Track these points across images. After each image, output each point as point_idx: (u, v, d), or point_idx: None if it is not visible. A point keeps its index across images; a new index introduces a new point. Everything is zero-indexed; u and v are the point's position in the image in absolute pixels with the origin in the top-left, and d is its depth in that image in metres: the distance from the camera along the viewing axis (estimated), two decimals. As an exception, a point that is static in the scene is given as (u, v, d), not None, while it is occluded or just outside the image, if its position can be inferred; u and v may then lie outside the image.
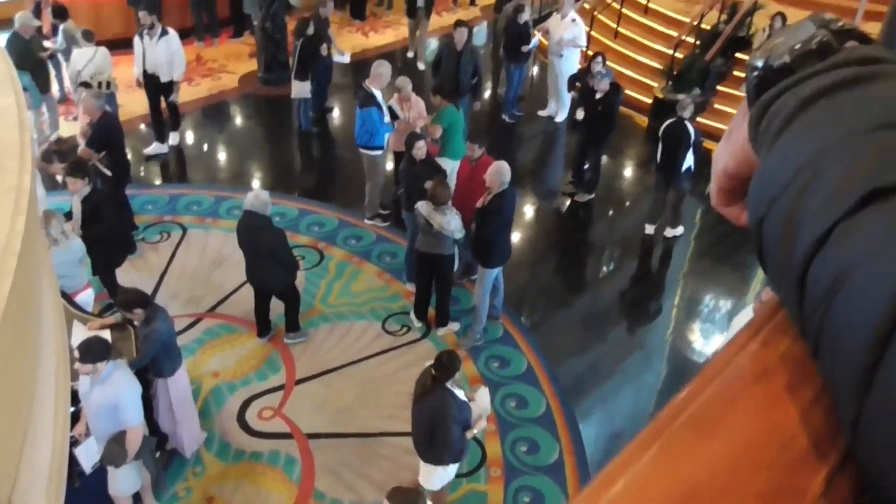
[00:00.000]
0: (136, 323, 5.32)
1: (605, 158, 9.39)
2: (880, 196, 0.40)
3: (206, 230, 8.17)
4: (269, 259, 6.27)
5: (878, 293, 0.38)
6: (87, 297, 6.12)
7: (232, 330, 6.92)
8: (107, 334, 5.25)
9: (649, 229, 8.43)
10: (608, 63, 9.46)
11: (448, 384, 4.84)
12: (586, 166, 8.89)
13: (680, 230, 8.39)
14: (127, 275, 7.10)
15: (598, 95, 8.35)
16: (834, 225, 0.41)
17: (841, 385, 0.40)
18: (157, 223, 8.23)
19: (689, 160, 7.75)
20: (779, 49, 0.53)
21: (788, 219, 0.44)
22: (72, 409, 4.48)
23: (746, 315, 4.58)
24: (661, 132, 7.93)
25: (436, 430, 4.83)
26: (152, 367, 5.32)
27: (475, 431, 5.08)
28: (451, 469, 5.10)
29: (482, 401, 5.12)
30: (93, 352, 4.52)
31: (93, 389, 4.61)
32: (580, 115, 8.92)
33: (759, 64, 0.54)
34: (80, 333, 5.18)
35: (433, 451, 4.94)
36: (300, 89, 9.61)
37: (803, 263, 0.42)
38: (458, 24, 9.13)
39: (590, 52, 11.45)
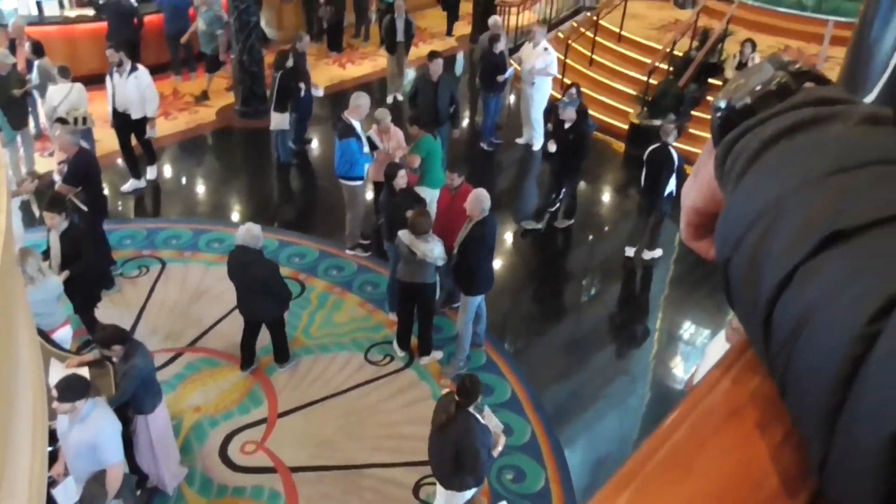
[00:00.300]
0: (114, 359, 5.26)
1: (582, 184, 9.47)
2: (839, 239, 0.41)
3: (186, 264, 8.12)
4: (261, 292, 6.28)
5: (837, 337, 0.39)
6: (64, 335, 6.04)
7: (213, 364, 6.85)
8: (85, 372, 5.19)
9: (629, 252, 8.50)
10: (582, 90, 9.59)
11: (470, 409, 4.90)
12: (562, 196, 8.87)
13: (658, 252, 8.45)
14: (105, 310, 7.02)
15: (566, 125, 8.35)
16: (795, 268, 0.42)
17: (807, 426, 0.41)
18: (136, 258, 8.17)
19: (671, 185, 7.85)
20: (740, 91, 0.54)
21: (752, 261, 0.45)
22: (49, 448, 4.41)
23: (720, 341, 4.63)
24: (645, 157, 8.02)
25: (463, 456, 4.86)
26: (132, 403, 5.24)
27: (499, 449, 5.16)
28: (469, 493, 5.12)
29: (491, 419, 5.19)
30: (71, 390, 4.45)
31: (71, 428, 4.54)
32: (552, 147, 8.74)
33: (722, 105, 0.55)
34: (58, 371, 5.11)
35: (458, 478, 4.97)
36: (279, 121, 9.63)
37: (768, 305, 0.43)
38: (433, 55, 9.22)
39: (566, 81, 11.61)
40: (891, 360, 0.37)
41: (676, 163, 7.77)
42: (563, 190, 8.82)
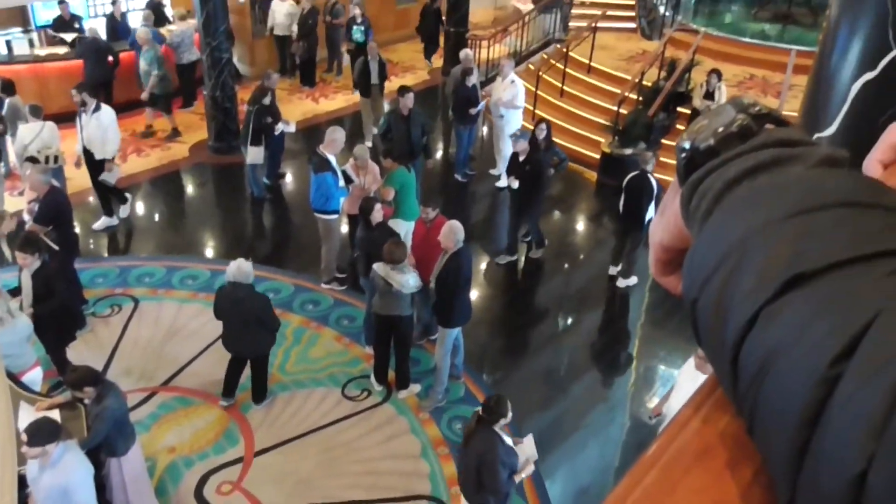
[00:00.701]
0: (86, 401, 5.16)
1: (556, 213, 9.54)
2: (801, 281, 0.42)
3: (159, 301, 8.03)
4: (255, 325, 6.28)
5: (800, 380, 0.39)
6: (34, 376, 5.92)
7: (187, 403, 6.75)
8: (56, 414, 5.09)
9: (613, 271, 8.67)
10: (553, 121, 9.69)
11: (495, 428, 4.94)
12: (524, 232, 8.89)
13: (633, 280, 8.52)
14: (77, 351, 6.91)
15: (520, 157, 8.34)
16: (759, 310, 0.43)
17: (775, 467, 0.41)
18: (108, 296, 8.06)
19: (651, 212, 8.00)
20: (703, 132, 0.55)
21: (718, 302, 0.46)
22: (19, 494, 4.30)
23: (689, 368, 4.66)
24: (624, 184, 8.16)
25: (483, 473, 4.90)
26: (105, 446, 5.14)
27: (522, 476, 5.18)
28: None
29: (528, 447, 5.23)
30: (41, 434, 4.36)
31: (42, 474, 4.43)
32: (514, 183, 8.51)
33: (686, 146, 0.56)
34: (28, 415, 5.00)
35: (480, 495, 5.00)
36: (255, 155, 9.62)
37: (734, 346, 0.44)
38: (403, 89, 9.30)
39: (538, 112, 11.75)
40: (851, 404, 0.37)
41: (655, 190, 7.91)
42: (527, 226, 8.85)
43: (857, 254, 0.42)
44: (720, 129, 0.54)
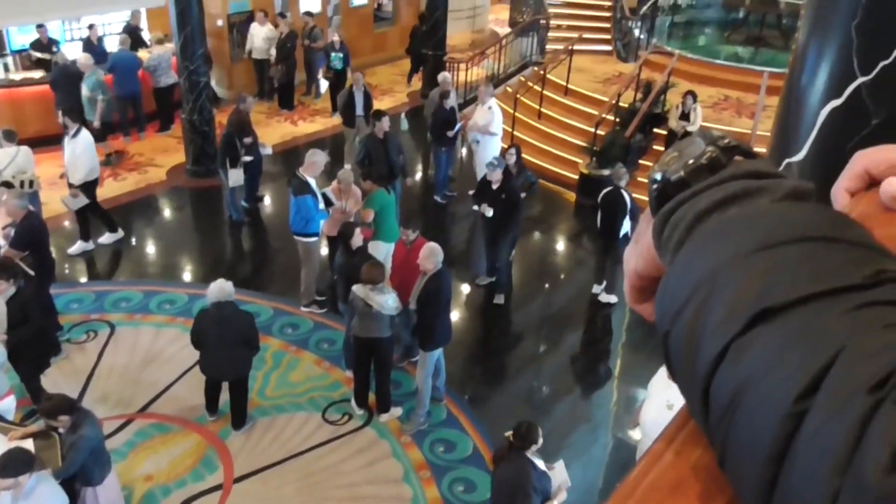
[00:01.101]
0: (61, 430, 5.07)
1: (536, 234, 9.56)
2: (768, 315, 0.43)
3: (136, 327, 7.94)
4: (239, 345, 6.29)
5: (768, 415, 0.40)
6: (8, 405, 5.82)
7: (165, 429, 6.65)
8: (29, 444, 5.00)
9: (597, 289, 8.72)
10: (532, 142, 9.74)
11: (528, 453, 4.94)
12: (498, 263, 8.60)
13: (614, 298, 8.56)
14: (51, 378, 6.81)
15: (494, 186, 8.14)
16: (729, 344, 0.43)
17: (745, 500, 0.42)
18: (84, 322, 7.96)
19: (626, 227, 8.13)
20: (674, 164, 0.56)
21: (689, 335, 0.46)
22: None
23: (661, 377, 4.69)
24: (599, 200, 8.29)
25: (516, 498, 4.86)
26: (80, 475, 5.05)
27: (555, 502, 5.13)
28: None
29: (560, 472, 5.22)
30: (14, 464, 4.28)
31: (15, 505, 4.34)
32: (489, 211, 8.19)
33: (658, 177, 0.57)
34: (1, 445, 4.90)
35: None
36: (236, 177, 9.59)
37: (705, 379, 0.44)
38: (378, 113, 9.34)
39: (517, 134, 11.84)
40: (816, 440, 0.38)
41: (629, 205, 8.05)
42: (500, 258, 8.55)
43: (822, 288, 0.43)
44: (690, 161, 0.55)
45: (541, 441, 5.07)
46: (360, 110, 11.11)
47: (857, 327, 0.41)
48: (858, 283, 0.43)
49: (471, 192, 10.82)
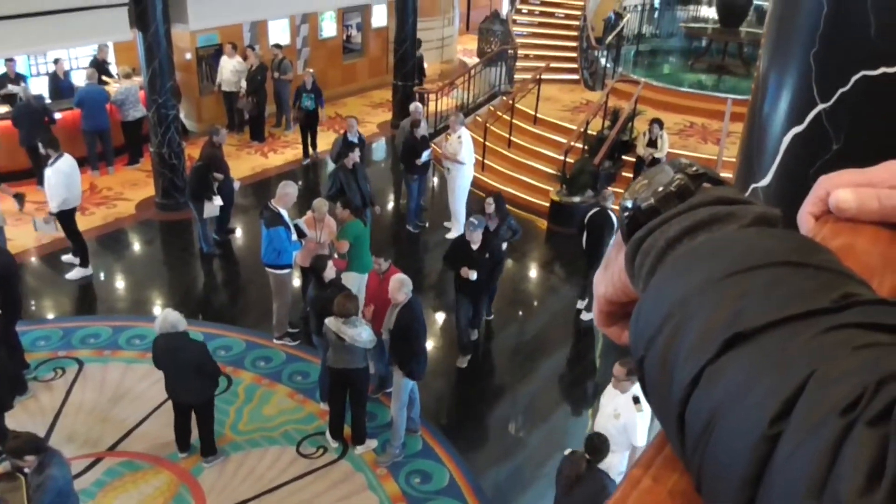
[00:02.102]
0: (27, 471, 4.94)
1: (509, 262, 9.58)
2: (740, 340, 0.43)
3: (105, 363, 7.80)
4: (194, 373, 6.19)
5: (743, 439, 0.40)
6: (-29, 447, 5.67)
7: (135, 467, 6.51)
8: (-5, 487, 4.86)
9: (581, 304, 8.91)
10: (503, 170, 9.77)
11: (600, 466, 4.88)
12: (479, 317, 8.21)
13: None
14: (16, 418, 6.65)
15: (474, 247, 7.60)
16: (702, 369, 0.44)
17: None
18: (51, 359, 7.80)
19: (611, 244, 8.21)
20: (644, 192, 0.57)
21: (664, 360, 0.47)
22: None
23: (609, 389, 4.82)
24: (586, 220, 8.45)
25: None
26: (47, 518, 4.92)
27: None
28: None
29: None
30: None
31: (-21, 551, 4.21)
32: (472, 275, 7.53)
33: (629, 205, 0.58)
34: (-35, 489, 4.76)
35: None
36: (211, 209, 9.53)
37: (679, 404, 0.45)
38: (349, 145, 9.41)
39: (487, 162, 11.93)
40: (790, 464, 0.38)
41: (615, 224, 8.13)
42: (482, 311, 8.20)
43: (792, 312, 0.44)
44: (660, 189, 0.56)
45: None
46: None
47: (827, 350, 0.42)
48: (827, 307, 0.44)
49: (446, 223, 10.81)
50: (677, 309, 0.48)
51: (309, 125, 12.77)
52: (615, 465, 5.46)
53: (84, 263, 9.27)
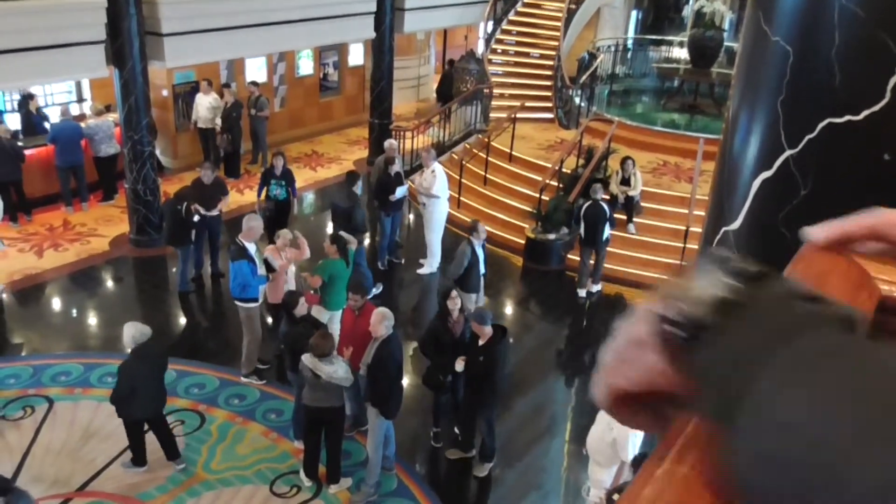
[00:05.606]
0: (-6, 513, 4.84)
1: (486, 299, 9.61)
2: None
3: (76, 401, 7.66)
4: (160, 379, 6.57)
5: None
6: (-64, 489, 5.52)
7: (105, 509, 6.38)
8: (-41, 530, 4.74)
9: (582, 292, 10.13)
10: (477, 208, 9.77)
11: None
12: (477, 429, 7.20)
13: (599, 286, 10.13)
14: (-16, 459, 6.50)
15: (480, 342, 6.67)
16: None
17: None
18: (20, 397, 7.65)
19: (607, 231, 9.75)
20: (687, 298, 0.50)
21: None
22: None
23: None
24: (582, 213, 9.69)
25: None
26: (13, 562, 4.80)
27: None
28: None
29: None
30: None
31: None
32: (459, 366, 6.76)
33: (671, 315, 0.51)
34: (-72, 532, 4.64)
35: None
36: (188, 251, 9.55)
37: None
38: (353, 176, 9.86)
39: (463, 199, 12.00)
40: None
41: (608, 214, 9.69)
42: (478, 424, 7.08)
43: None
44: (707, 295, 0.49)
45: None
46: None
47: None
48: None
49: (421, 260, 10.83)
50: (825, 446, 0.40)
51: (279, 219, 10.10)
52: (604, 480, 5.45)
53: None
